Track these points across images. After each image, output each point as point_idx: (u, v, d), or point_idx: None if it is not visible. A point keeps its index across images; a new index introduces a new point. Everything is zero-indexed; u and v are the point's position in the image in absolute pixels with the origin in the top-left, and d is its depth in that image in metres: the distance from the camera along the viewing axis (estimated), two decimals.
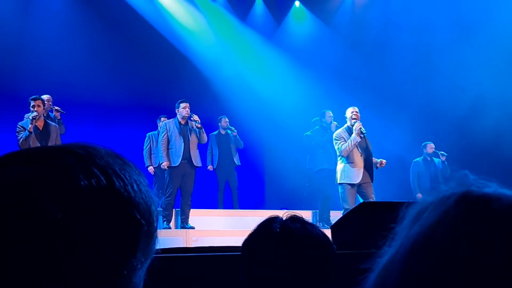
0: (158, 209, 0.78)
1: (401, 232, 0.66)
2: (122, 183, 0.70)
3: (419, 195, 9.99)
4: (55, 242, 0.64)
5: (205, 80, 12.06)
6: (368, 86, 11.78)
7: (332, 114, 9.85)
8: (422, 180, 10.28)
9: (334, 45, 12.49)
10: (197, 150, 8.85)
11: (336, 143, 8.28)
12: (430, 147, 10.44)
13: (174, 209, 8.92)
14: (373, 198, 8.14)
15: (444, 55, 11.41)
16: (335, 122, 9.66)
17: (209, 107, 10.66)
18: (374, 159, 8.39)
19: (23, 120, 7.78)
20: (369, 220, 3.38)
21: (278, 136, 11.91)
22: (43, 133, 7.66)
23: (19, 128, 7.63)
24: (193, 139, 8.74)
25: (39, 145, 7.18)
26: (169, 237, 8.16)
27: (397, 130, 11.02)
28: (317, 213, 9.96)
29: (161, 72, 11.83)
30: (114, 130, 11.07)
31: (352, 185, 8.16)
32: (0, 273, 0.63)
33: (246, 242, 1.63)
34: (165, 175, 8.83)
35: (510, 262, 0.58)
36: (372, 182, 8.25)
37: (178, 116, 8.76)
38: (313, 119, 10.36)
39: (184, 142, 8.66)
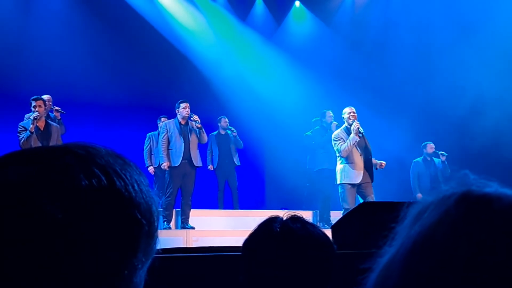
0: (159, 209, 0.78)
1: (402, 232, 0.66)
2: (122, 183, 0.70)
3: (419, 195, 9.99)
4: (55, 242, 0.64)
5: (205, 80, 12.05)
6: (368, 86, 11.78)
7: (332, 114, 9.85)
8: (422, 180, 10.27)
9: (334, 45, 12.48)
10: (198, 150, 8.85)
11: (335, 144, 8.28)
12: (430, 147, 10.43)
13: (174, 209, 8.92)
14: (373, 198, 8.14)
15: (444, 55, 11.40)
16: (335, 122, 9.66)
17: (209, 107, 10.65)
18: (374, 160, 8.39)
19: (23, 120, 7.76)
20: (369, 220, 3.39)
21: (278, 136, 11.90)
22: (44, 133, 7.64)
23: (20, 128, 7.61)
24: (193, 139, 8.73)
25: (40, 145, 7.17)
26: (170, 237, 8.16)
27: (397, 130, 11.02)
28: (318, 213, 9.96)
29: (161, 72, 11.82)
30: (114, 130, 11.06)
31: (352, 185, 8.16)
32: (0, 273, 0.63)
33: (246, 242, 1.63)
34: (165, 175, 8.83)
35: (511, 262, 0.58)
36: (372, 182, 8.25)
37: (178, 116, 8.76)
38: (314, 119, 10.37)
39: (184, 142, 8.66)
